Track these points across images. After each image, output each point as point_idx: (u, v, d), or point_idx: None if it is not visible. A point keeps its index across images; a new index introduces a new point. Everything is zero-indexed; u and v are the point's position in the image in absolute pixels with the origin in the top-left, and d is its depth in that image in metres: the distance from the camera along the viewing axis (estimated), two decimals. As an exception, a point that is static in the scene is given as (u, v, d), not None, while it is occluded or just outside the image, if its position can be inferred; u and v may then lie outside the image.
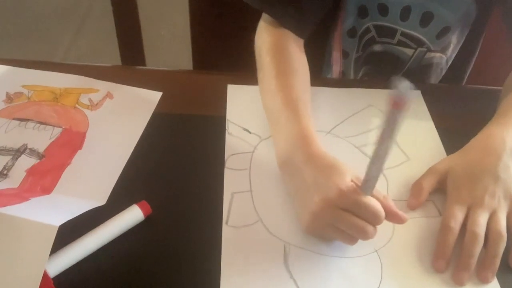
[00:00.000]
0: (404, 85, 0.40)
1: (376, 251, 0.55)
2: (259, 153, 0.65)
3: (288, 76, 0.64)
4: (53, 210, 0.53)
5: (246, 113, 0.71)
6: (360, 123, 0.70)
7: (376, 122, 0.70)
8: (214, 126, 0.69)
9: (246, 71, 0.74)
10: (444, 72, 0.87)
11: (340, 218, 0.51)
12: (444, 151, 0.66)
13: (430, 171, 0.61)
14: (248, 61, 0.74)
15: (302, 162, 0.55)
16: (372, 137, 0.68)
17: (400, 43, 0.81)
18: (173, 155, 0.65)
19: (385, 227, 0.56)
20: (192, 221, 0.57)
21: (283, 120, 0.60)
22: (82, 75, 0.75)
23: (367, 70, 0.87)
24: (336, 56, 0.85)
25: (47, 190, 0.58)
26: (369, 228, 0.51)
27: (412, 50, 0.81)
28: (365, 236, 0.51)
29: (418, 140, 0.68)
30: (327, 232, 0.54)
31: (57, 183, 0.59)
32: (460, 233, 0.54)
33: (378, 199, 0.52)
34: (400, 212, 0.53)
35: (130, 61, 0.98)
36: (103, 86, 0.74)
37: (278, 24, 0.70)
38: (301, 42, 0.72)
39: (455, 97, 0.77)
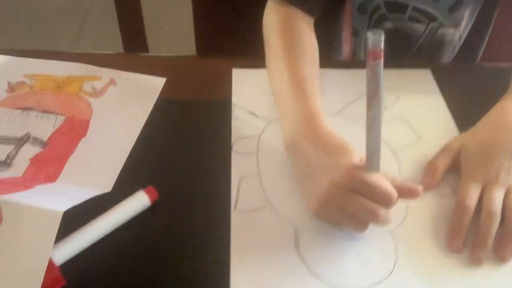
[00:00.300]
0: (375, 35, 0.40)
1: (389, 232, 0.53)
2: (267, 136, 0.64)
3: (296, 55, 0.62)
4: (58, 196, 0.52)
5: (252, 97, 0.69)
6: None
7: (385, 103, 0.69)
8: (219, 111, 0.67)
9: (250, 56, 0.72)
10: (457, 49, 0.85)
11: (350, 200, 0.49)
12: (456, 129, 0.65)
13: (443, 150, 0.59)
14: (252, 46, 0.73)
15: (308, 143, 0.54)
16: (383, 117, 0.66)
17: (411, 19, 0.79)
18: (178, 141, 0.63)
19: (398, 207, 0.54)
20: (199, 206, 0.56)
21: (290, 100, 0.58)
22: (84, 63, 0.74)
23: None
24: (346, 35, 0.83)
25: (51, 178, 0.57)
26: (381, 210, 0.49)
27: (424, 26, 0.79)
28: (376, 219, 0.49)
29: (429, 119, 0.66)
30: (336, 216, 0.52)
31: (61, 171, 0.58)
32: (475, 212, 0.53)
33: (387, 178, 0.50)
34: (413, 185, 0.51)
35: (133, 49, 0.97)
36: (106, 73, 0.73)
37: (287, 3, 0.68)
38: (310, 21, 0.70)
39: (467, 75, 0.75)
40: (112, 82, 0.71)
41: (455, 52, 0.85)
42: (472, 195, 0.53)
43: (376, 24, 0.81)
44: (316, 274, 0.49)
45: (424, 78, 0.73)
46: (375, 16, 0.81)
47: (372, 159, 0.48)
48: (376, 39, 0.40)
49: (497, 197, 0.52)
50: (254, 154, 0.62)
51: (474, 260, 0.50)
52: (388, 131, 0.64)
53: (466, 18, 0.80)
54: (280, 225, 0.54)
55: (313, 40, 0.67)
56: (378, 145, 0.47)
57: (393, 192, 0.48)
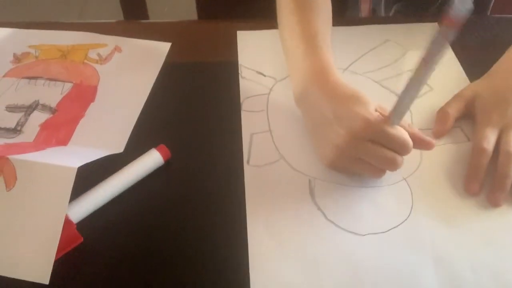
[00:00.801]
0: (462, 1, 0.37)
1: (404, 179, 0.53)
2: (275, 94, 0.64)
3: (308, 11, 0.61)
4: (71, 155, 0.52)
5: (258, 57, 0.69)
6: (378, 59, 0.68)
7: (394, 56, 0.68)
8: (226, 72, 0.67)
9: (253, 19, 0.72)
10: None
11: (368, 150, 0.49)
12: (467, 79, 0.64)
13: (455, 97, 0.58)
14: (253, 10, 0.72)
15: (320, 94, 0.53)
16: (391, 71, 0.66)
17: None
18: (187, 102, 0.63)
19: (412, 154, 0.54)
20: (212, 163, 0.55)
21: (300, 54, 0.57)
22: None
23: (399, 7, 0.83)
24: None
25: (62, 142, 0.57)
26: (399, 158, 0.49)
27: None
28: (395, 167, 0.49)
29: (440, 71, 0.65)
30: (353, 166, 0.51)
31: (72, 135, 0.58)
32: (492, 157, 0.52)
33: (403, 127, 0.50)
34: (428, 138, 0.51)
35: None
36: (111, 40, 0.72)
37: None
38: None
39: (474, 27, 0.74)
40: (117, 48, 0.71)
41: None
42: (490, 137, 0.52)
43: None
44: (332, 220, 0.49)
45: (432, 31, 0.72)
46: None
47: (399, 112, 0.48)
48: (462, 9, 0.37)
49: None
50: (264, 112, 0.61)
51: (493, 202, 0.50)
52: (399, 83, 0.64)
53: None
54: (294, 177, 0.54)
55: None
56: (410, 103, 0.47)
57: (410, 142, 0.48)
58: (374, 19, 0.83)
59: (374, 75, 0.65)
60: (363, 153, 0.50)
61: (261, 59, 0.68)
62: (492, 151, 0.52)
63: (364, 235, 0.48)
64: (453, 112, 0.57)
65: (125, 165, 0.53)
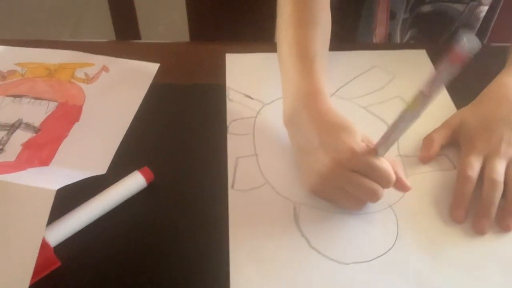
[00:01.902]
0: (470, 38, 0.36)
1: (390, 206, 0.52)
2: (262, 118, 0.63)
3: (308, 28, 0.59)
4: (51, 177, 0.51)
5: (246, 80, 0.68)
6: (365, 85, 0.68)
7: (381, 83, 0.68)
8: (214, 94, 0.66)
9: (243, 42, 0.72)
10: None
11: (351, 180, 0.48)
12: (453, 106, 0.64)
13: (442, 124, 0.58)
14: (245, 32, 0.72)
15: (309, 119, 0.52)
16: (378, 97, 0.66)
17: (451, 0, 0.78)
18: (173, 124, 0.62)
19: None
20: (196, 187, 0.55)
21: (295, 74, 0.56)
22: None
23: (414, 33, 0.84)
24: (381, 17, 0.81)
25: (44, 162, 0.56)
26: (380, 190, 0.48)
27: (464, 5, 0.78)
28: (376, 198, 0.49)
29: None
30: (334, 194, 0.51)
31: (54, 155, 0.57)
32: (476, 184, 0.52)
33: (388, 161, 0.49)
34: (406, 182, 0.51)
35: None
36: (99, 60, 0.72)
37: None
38: None
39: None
40: (104, 68, 0.70)
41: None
42: (474, 165, 0.52)
43: (413, 9, 0.80)
44: (316, 248, 0.48)
45: (419, 58, 0.73)
46: (412, 0, 0.79)
47: (386, 146, 0.47)
48: (470, 46, 0.36)
49: (500, 167, 0.51)
50: (250, 135, 0.61)
51: (478, 230, 0.50)
52: (385, 109, 0.64)
53: None
54: (279, 202, 0.53)
55: (327, 16, 0.64)
56: (398, 137, 0.46)
57: (393, 176, 0.48)
58: (359, 44, 0.84)
59: (361, 101, 0.65)
60: (345, 182, 0.49)
61: (249, 82, 0.68)
62: (477, 178, 0.52)
63: (348, 263, 0.47)
64: (439, 139, 0.57)
65: (107, 187, 0.52)
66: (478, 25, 0.83)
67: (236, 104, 0.65)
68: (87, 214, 0.50)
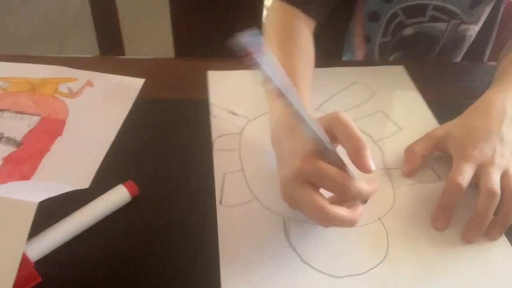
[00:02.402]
0: (248, 35, 0.36)
1: (379, 219, 0.52)
2: (248, 133, 0.63)
3: (291, 53, 0.61)
4: (33, 189, 0.50)
5: (230, 97, 0.68)
6: (347, 100, 0.68)
7: (362, 98, 0.68)
8: (199, 110, 0.66)
9: (228, 57, 0.71)
10: (466, 47, 0.85)
11: (299, 195, 0.45)
12: (435, 121, 0.65)
13: (424, 136, 0.58)
14: (230, 48, 0.72)
15: (286, 139, 0.51)
16: (361, 112, 0.66)
17: (432, 19, 0.78)
18: (159, 139, 0.62)
19: (385, 195, 0.55)
20: (181, 202, 0.54)
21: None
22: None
23: (399, 56, 0.85)
24: (358, 41, 0.83)
25: (25, 176, 0.55)
26: (332, 209, 0.43)
27: (446, 24, 0.79)
28: (323, 222, 0.44)
29: (408, 112, 0.67)
30: (298, 208, 0.48)
31: (36, 169, 0.56)
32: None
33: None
34: (370, 161, 0.44)
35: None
36: (83, 75, 0.71)
37: (290, 3, 0.68)
38: (311, 24, 0.69)
39: (444, 72, 0.76)
40: (88, 83, 0.70)
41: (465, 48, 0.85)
42: (466, 173, 0.51)
43: (394, 33, 0.81)
44: (309, 262, 0.48)
45: (398, 74, 0.74)
46: (393, 23, 0.80)
47: (320, 147, 0.44)
48: (252, 39, 0.36)
49: (496, 177, 0.51)
50: (236, 151, 0.60)
51: (467, 239, 0.49)
52: (368, 123, 0.64)
53: (486, 13, 0.80)
54: (268, 217, 0.52)
55: (309, 41, 0.66)
56: (316, 134, 0.43)
57: (346, 179, 0.44)
58: (341, 61, 0.85)
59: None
60: (296, 197, 0.46)
61: (232, 99, 0.68)
62: (466, 187, 0.51)
63: (341, 277, 0.47)
64: (420, 150, 0.57)
65: (90, 201, 0.51)
66: (466, 44, 0.84)
67: (221, 120, 0.64)
68: (69, 228, 0.48)
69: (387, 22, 0.80)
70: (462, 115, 0.59)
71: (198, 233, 0.50)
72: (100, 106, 0.66)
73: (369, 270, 0.47)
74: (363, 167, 0.44)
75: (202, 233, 0.50)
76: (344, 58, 0.89)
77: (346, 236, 0.50)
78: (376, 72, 0.73)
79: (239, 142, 0.62)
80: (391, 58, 0.85)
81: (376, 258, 0.48)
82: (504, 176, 0.52)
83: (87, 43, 1.12)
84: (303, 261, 0.48)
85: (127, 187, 0.52)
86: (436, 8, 0.77)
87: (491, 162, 0.52)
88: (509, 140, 0.54)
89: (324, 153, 0.45)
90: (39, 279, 0.45)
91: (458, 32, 0.80)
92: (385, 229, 0.51)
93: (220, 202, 0.54)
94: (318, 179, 0.45)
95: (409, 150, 0.58)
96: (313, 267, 0.47)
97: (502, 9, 0.85)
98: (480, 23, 0.82)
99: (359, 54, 0.85)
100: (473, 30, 0.82)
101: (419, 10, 0.78)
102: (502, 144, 0.53)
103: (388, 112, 0.66)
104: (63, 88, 0.69)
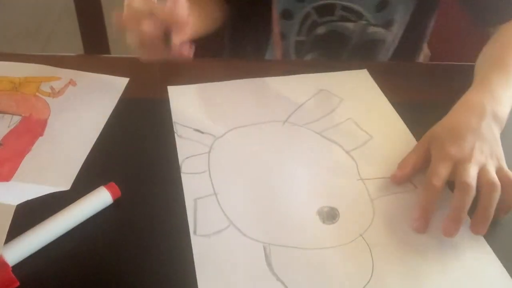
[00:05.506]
0: None
1: (361, 235, 0.51)
2: (216, 153, 0.59)
3: None
4: (12, 191, 0.49)
5: (193, 113, 0.64)
6: (316, 109, 0.66)
7: (331, 106, 0.67)
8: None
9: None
10: (391, 50, 0.86)
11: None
12: (404, 125, 0.64)
13: (414, 147, 0.58)
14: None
15: None
16: (330, 121, 0.64)
17: (342, 18, 0.80)
18: (142, 139, 0.61)
19: (364, 208, 0.54)
20: (164, 204, 0.53)
21: None
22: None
23: (315, 56, 0.85)
24: (275, 39, 0.84)
25: (5, 177, 0.54)
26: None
27: (353, 24, 0.80)
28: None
29: (376, 118, 0.65)
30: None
31: (16, 170, 0.55)
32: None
33: None
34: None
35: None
36: (65, 73, 0.70)
37: None
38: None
39: (405, 73, 0.75)
40: (71, 82, 0.69)
41: (390, 53, 0.86)
42: (441, 173, 0.51)
43: (309, 32, 0.82)
44: (293, 290, 0.46)
45: (362, 78, 0.72)
46: (307, 23, 0.81)
47: None
48: None
49: (472, 172, 0.50)
50: (206, 173, 0.57)
51: (446, 233, 0.49)
52: (339, 133, 0.63)
53: (398, 21, 0.81)
54: (247, 244, 0.49)
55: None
56: None
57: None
58: (266, 60, 0.85)
59: (315, 126, 0.63)
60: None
61: (196, 115, 0.64)
62: (443, 187, 0.51)
63: None
64: (413, 158, 0.56)
65: (70, 203, 0.50)
66: (383, 47, 0.84)
67: (186, 140, 0.61)
68: (48, 231, 0.47)
69: (301, 21, 0.81)
70: (445, 116, 0.59)
71: (177, 236, 0.50)
72: (83, 105, 0.65)
73: None
74: None
75: (180, 235, 0.49)
76: (266, 57, 0.89)
77: (330, 257, 0.48)
78: (341, 78, 0.72)
79: (208, 163, 0.58)
80: (307, 57, 0.86)
81: (362, 277, 0.47)
82: (481, 171, 0.51)
83: (73, 41, 1.11)
84: None
85: (109, 189, 0.51)
86: (344, 8, 0.79)
87: (468, 158, 0.52)
88: (489, 137, 0.55)
89: None
90: (17, 283, 0.44)
91: (367, 34, 0.81)
92: (368, 245, 0.50)
93: (195, 232, 0.50)
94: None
95: (402, 161, 0.57)
96: None
97: (434, 16, 0.86)
98: (396, 29, 0.82)
99: (277, 53, 0.86)
100: (384, 35, 0.82)
101: (329, 9, 0.79)
102: (481, 141, 0.54)
103: (357, 119, 0.64)
104: (45, 87, 0.67)
